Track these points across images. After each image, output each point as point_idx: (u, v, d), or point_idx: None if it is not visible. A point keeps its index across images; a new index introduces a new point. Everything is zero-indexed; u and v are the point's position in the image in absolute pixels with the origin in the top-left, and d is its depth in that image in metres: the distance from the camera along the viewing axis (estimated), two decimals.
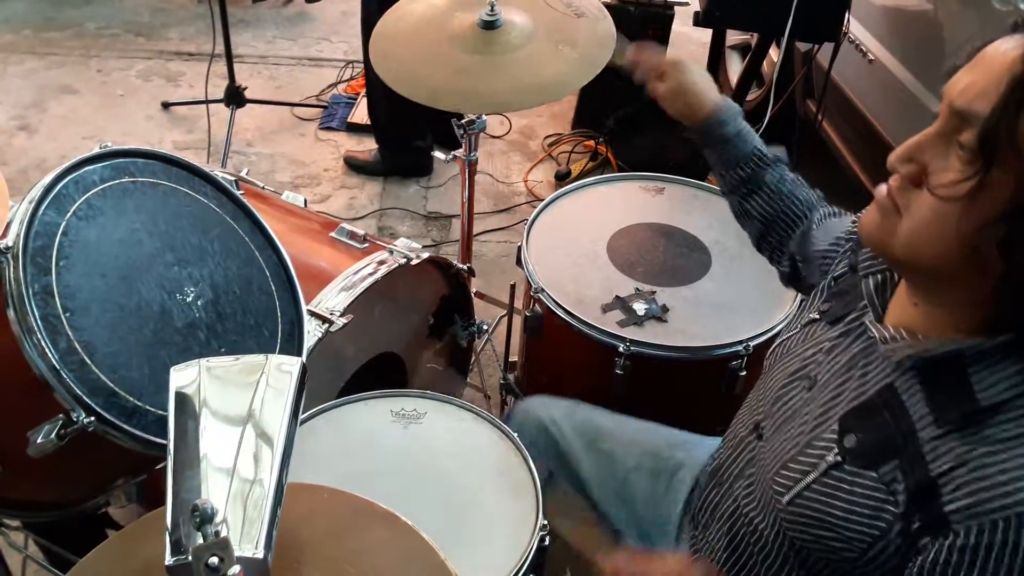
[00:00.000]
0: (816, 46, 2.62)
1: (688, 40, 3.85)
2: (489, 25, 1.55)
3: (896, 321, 0.86)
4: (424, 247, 1.64)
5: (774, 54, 2.99)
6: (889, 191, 0.80)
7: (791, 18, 2.26)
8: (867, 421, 0.85)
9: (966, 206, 0.71)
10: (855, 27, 2.59)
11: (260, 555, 0.71)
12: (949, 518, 0.74)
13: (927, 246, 0.76)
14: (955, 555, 0.73)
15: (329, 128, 3.33)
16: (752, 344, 1.48)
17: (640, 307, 1.55)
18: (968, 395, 0.76)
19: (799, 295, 1.56)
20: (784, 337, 1.07)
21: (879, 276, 0.91)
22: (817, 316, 1.00)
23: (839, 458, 0.85)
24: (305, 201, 1.80)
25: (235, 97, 3.10)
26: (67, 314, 1.04)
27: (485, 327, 1.91)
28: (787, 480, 0.91)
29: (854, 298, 0.94)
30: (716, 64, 2.83)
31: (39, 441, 1.02)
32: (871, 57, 2.55)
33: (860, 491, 0.82)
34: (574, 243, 1.71)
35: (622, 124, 3.07)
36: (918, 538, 0.77)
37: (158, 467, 1.21)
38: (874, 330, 0.86)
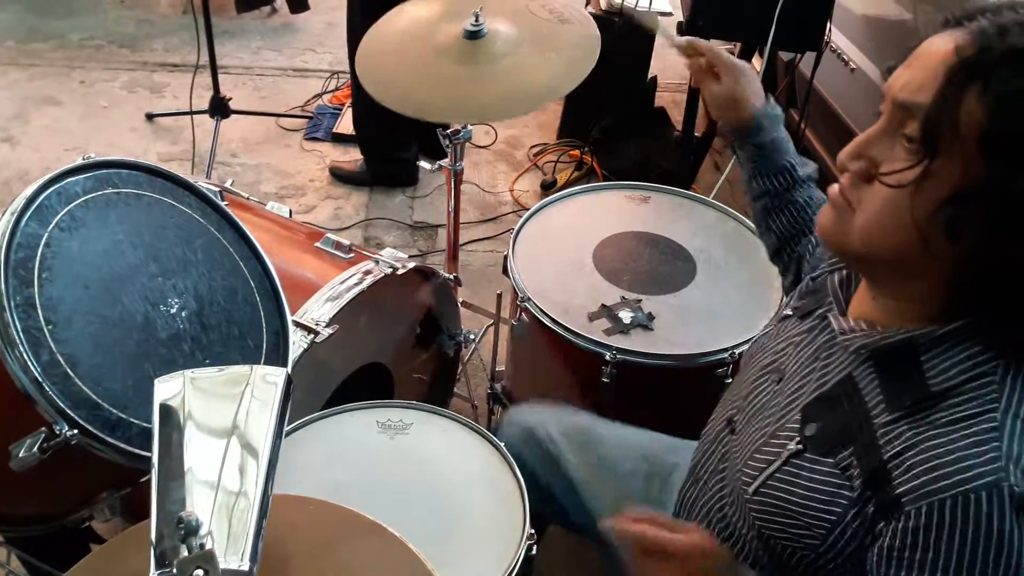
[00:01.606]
0: (798, 55, 2.64)
1: (672, 50, 3.87)
2: (474, 35, 1.56)
3: (858, 314, 0.88)
4: (410, 257, 1.63)
5: (757, 63, 3.01)
6: (841, 189, 0.83)
7: (773, 27, 2.28)
8: (827, 410, 0.87)
9: (914, 194, 0.74)
10: (836, 36, 2.62)
11: (245, 568, 0.71)
12: (901, 500, 0.75)
13: (881, 238, 0.79)
14: (909, 536, 0.74)
15: (314, 138, 3.32)
16: (737, 351, 1.49)
17: (626, 315, 1.56)
18: (920, 381, 0.79)
19: (783, 302, 1.58)
20: (760, 334, 1.09)
21: (843, 272, 0.94)
22: (790, 312, 1.03)
23: (800, 446, 0.87)
24: (290, 211, 1.80)
25: (220, 108, 3.09)
26: (50, 326, 1.04)
27: (472, 337, 1.91)
28: (753, 470, 0.93)
29: (823, 294, 0.96)
30: None
31: (21, 455, 1.01)
32: (852, 66, 2.58)
33: (818, 477, 0.84)
34: (560, 252, 1.71)
35: (607, 133, 3.09)
36: (875, 524, 0.78)
37: (142, 480, 1.20)
38: (835, 322, 0.89)
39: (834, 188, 0.84)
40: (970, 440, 0.74)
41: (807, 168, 1.22)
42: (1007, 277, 0.73)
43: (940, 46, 0.73)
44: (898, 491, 0.75)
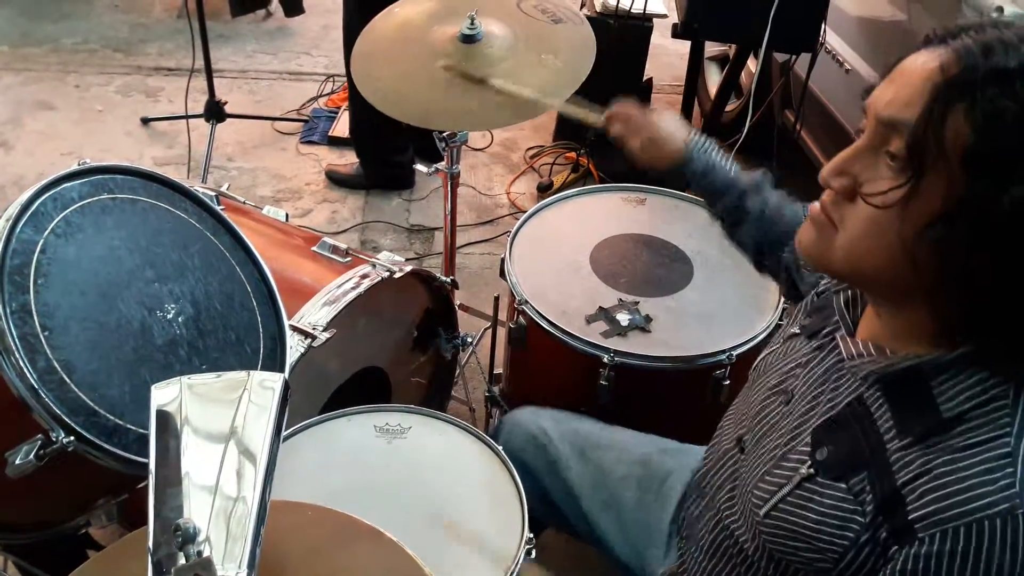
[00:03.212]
0: (794, 57, 2.65)
1: (666, 52, 3.88)
2: (469, 39, 1.56)
3: (866, 335, 0.87)
4: (407, 260, 1.63)
5: (752, 65, 3.02)
6: (823, 207, 0.82)
7: (769, 29, 2.29)
8: (838, 434, 0.86)
9: (900, 213, 0.73)
10: (831, 37, 2.63)
11: (243, 574, 0.71)
12: (914, 526, 0.75)
13: (865, 257, 0.78)
14: (921, 562, 0.73)
15: (310, 142, 3.32)
16: (735, 353, 1.49)
17: (623, 318, 1.56)
18: (932, 407, 0.78)
19: (780, 304, 1.58)
20: (767, 351, 1.08)
21: (849, 292, 0.93)
22: (798, 331, 1.02)
23: (812, 471, 0.86)
24: (287, 215, 1.79)
25: (215, 112, 3.08)
26: (46, 333, 1.03)
27: (469, 339, 1.91)
28: (764, 493, 0.92)
29: (830, 313, 0.95)
30: (695, 76, 2.86)
31: (18, 462, 1.00)
32: (847, 67, 2.59)
33: (830, 502, 0.83)
34: (557, 254, 1.71)
35: (603, 136, 3.08)
36: (887, 548, 0.78)
37: (139, 486, 1.20)
38: (843, 346, 0.88)
39: (815, 206, 0.83)
40: (984, 467, 0.73)
41: (752, 177, 1.24)
42: (998, 297, 0.72)
43: (924, 63, 0.73)
44: (911, 517, 0.75)
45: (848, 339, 0.88)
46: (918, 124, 0.71)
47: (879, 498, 0.79)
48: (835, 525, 0.82)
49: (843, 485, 0.82)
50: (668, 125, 1.28)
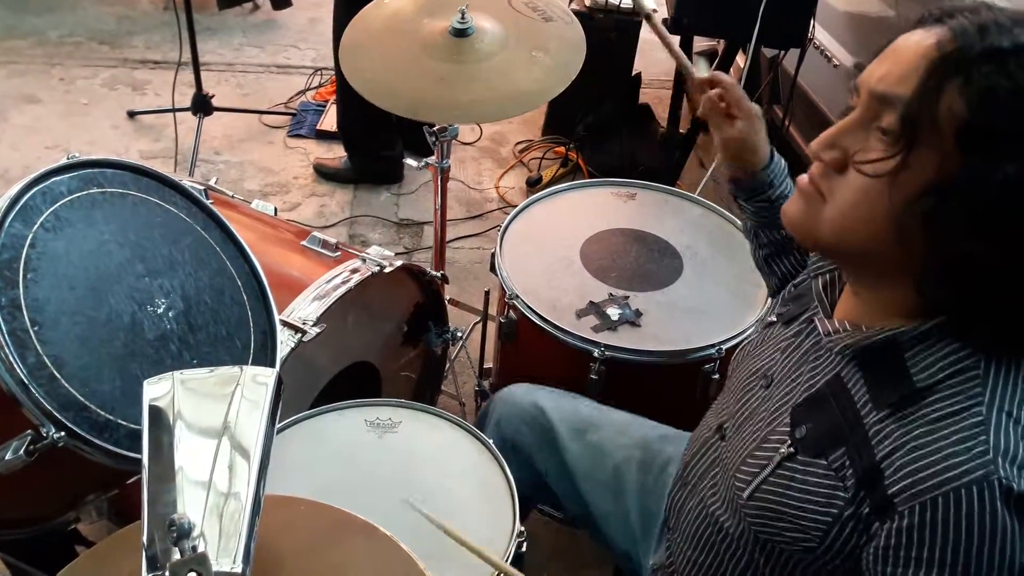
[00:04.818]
0: (782, 52, 2.66)
1: (656, 47, 3.87)
2: (460, 33, 1.55)
3: (843, 315, 0.89)
4: (397, 255, 1.63)
5: (741, 60, 3.02)
6: (811, 178, 0.83)
7: (758, 24, 2.29)
8: (816, 411, 0.87)
9: (890, 185, 0.75)
10: (820, 33, 2.64)
11: (238, 570, 0.71)
12: (893, 500, 0.76)
13: (853, 228, 0.79)
14: (903, 536, 0.75)
15: (298, 135, 3.30)
16: (724, 347, 1.50)
17: (614, 312, 1.56)
18: (904, 378, 0.79)
19: (769, 298, 1.59)
20: (745, 341, 1.10)
21: (827, 276, 0.95)
22: (774, 319, 1.04)
23: (792, 449, 0.88)
24: (275, 209, 1.79)
25: (202, 105, 3.06)
26: (35, 328, 1.03)
27: (459, 334, 1.91)
28: (746, 475, 0.93)
29: (808, 299, 0.97)
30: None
31: (7, 458, 1.00)
32: (836, 62, 2.60)
33: (812, 480, 0.85)
34: (547, 249, 1.71)
35: (592, 130, 3.09)
36: (870, 524, 0.79)
37: (129, 481, 1.19)
38: (820, 325, 0.89)
39: (803, 177, 0.84)
40: (957, 436, 0.74)
41: None
42: (980, 269, 0.74)
43: (920, 40, 0.74)
44: (890, 491, 0.76)
45: (826, 319, 0.89)
46: (913, 97, 0.72)
47: (859, 472, 0.80)
48: (818, 503, 0.83)
49: (823, 462, 0.84)
50: (760, 132, 1.15)
